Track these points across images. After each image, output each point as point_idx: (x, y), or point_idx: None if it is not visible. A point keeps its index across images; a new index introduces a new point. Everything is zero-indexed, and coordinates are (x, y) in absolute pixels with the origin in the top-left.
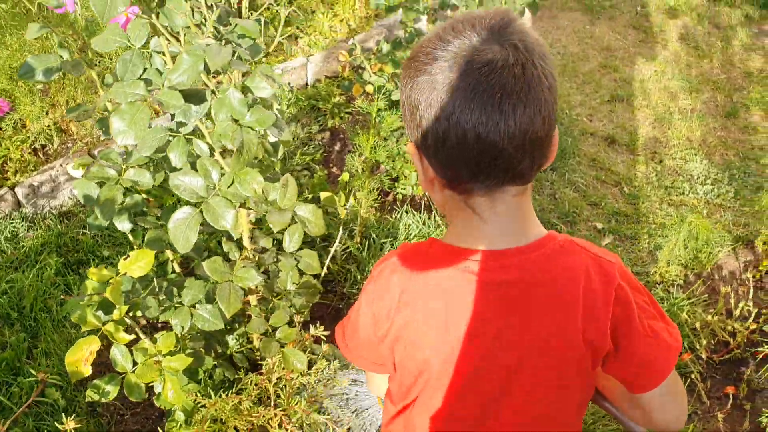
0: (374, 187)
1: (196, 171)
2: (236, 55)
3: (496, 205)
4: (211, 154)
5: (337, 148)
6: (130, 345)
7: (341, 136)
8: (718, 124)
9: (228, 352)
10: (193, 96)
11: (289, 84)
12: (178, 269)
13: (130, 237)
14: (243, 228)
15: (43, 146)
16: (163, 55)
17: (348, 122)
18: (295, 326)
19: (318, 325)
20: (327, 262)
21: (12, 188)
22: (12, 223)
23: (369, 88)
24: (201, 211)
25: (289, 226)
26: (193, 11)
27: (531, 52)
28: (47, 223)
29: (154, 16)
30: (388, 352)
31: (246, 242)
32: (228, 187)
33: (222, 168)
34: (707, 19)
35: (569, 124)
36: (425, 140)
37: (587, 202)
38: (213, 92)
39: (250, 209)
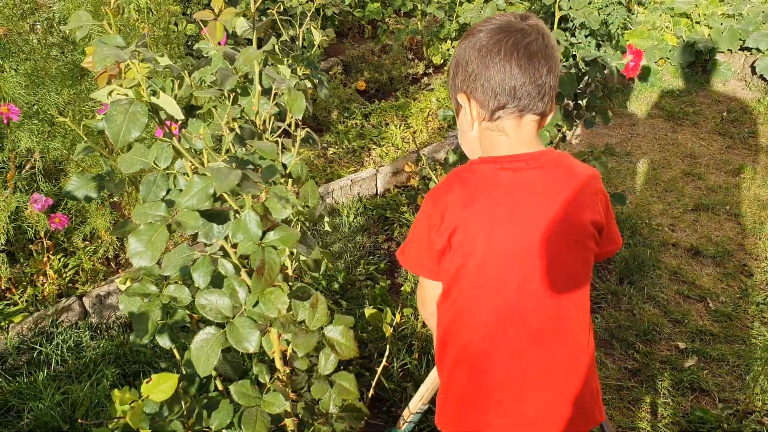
0: None
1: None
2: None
3: (520, 128)
4: (238, 273)
5: None
6: None
7: None
8: None
9: None
10: (216, 216)
11: (358, 194)
12: (220, 386)
13: (176, 353)
14: (275, 349)
15: (116, 256)
16: (187, 176)
17: None
18: None
19: None
20: (374, 382)
21: (80, 297)
22: (77, 332)
23: None
24: (225, 333)
25: (317, 348)
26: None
27: (546, 31)
28: (111, 333)
29: (174, 138)
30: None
31: (278, 364)
32: (253, 307)
33: (249, 287)
34: None
35: (649, 234)
36: (475, 83)
37: (668, 319)
38: (235, 213)
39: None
